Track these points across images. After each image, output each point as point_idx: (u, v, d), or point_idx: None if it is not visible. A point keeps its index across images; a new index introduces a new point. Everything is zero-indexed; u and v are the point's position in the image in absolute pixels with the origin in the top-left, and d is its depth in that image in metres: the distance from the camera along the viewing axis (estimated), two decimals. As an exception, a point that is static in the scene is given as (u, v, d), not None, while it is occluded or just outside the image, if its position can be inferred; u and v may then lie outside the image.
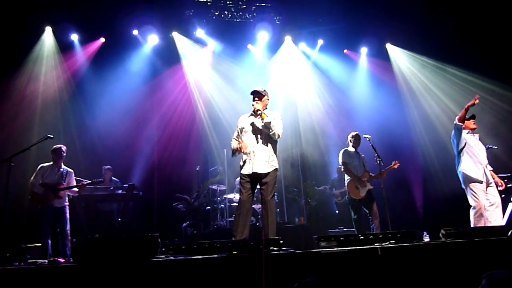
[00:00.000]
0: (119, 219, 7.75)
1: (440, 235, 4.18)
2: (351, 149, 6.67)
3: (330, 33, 10.12)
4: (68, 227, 6.07)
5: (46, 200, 5.90)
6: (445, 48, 9.52)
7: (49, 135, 5.58)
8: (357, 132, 6.71)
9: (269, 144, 4.68)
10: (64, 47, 9.21)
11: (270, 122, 4.55)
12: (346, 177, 6.56)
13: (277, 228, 7.16)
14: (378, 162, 6.14)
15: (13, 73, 8.59)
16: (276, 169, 4.72)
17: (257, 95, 4.71)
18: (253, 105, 4.70)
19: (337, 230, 7.79)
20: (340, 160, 6.58)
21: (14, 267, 3.41)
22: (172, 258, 3.49)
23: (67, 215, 6.12)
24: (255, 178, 4.65)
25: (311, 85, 10.56)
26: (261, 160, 4.60)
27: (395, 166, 6.50)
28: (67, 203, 6.20)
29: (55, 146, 6.25)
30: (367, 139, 6.28)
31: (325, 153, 9.80)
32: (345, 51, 10.64)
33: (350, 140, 6.70)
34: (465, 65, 9.36)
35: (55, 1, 8.26)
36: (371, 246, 3.77)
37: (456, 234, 4.08)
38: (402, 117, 10.00)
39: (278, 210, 8.34)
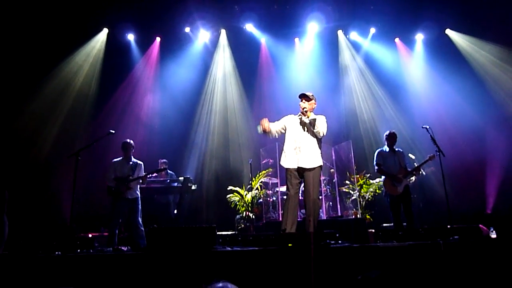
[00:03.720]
0: (175, 211, 8.05)
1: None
2: (385, 148, 6.61)
3: (383, 20, 9.69)
4: (139, 217, 6.24)
5: (118, 192, 6.19)
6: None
7: (111, 131, 5.90)
8: (391, 131, 6.64)
9: (314, 141, 4.76)
10: (121, 47, 9.70)
11: (315, 119, 4.70)
12: (382, 176, 6.53)
13: (331, 221, 7.16)
14: (439, 154, 5.83)
15: (75, 73, 9.27)
16: (321, 166, 4.74)
17: (305, 97, 4.87)
18: (300, 104, 4.86)
19: (393, 224, 7.51)
20: (374, 162, 6.59)
21: (85, 254, 3.66)
22: (229, 249, 3.57)
23: (139, 206, 6.31)
24: (300, 173, 4.71)
25: (362, 74, 10.22)
26: (306, 155, 4.66)
27: (430, 160, 6.24)
28: (139, 195, 6.38)
29: (123, 141, 6.50)
30: (426, 129, 5.98)
31: (379, 145, 9.47)
32: (396, 39, 10.19)
33: (385, 139, 6.63)
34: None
35: (113, 5, 8.66)
36: (433, 241, 3.60)
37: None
38: (473, 108, 9.13)
39: (331, 203, 8.23)
